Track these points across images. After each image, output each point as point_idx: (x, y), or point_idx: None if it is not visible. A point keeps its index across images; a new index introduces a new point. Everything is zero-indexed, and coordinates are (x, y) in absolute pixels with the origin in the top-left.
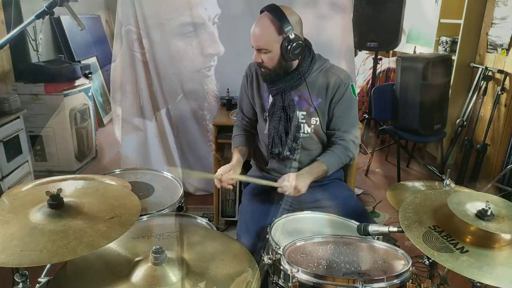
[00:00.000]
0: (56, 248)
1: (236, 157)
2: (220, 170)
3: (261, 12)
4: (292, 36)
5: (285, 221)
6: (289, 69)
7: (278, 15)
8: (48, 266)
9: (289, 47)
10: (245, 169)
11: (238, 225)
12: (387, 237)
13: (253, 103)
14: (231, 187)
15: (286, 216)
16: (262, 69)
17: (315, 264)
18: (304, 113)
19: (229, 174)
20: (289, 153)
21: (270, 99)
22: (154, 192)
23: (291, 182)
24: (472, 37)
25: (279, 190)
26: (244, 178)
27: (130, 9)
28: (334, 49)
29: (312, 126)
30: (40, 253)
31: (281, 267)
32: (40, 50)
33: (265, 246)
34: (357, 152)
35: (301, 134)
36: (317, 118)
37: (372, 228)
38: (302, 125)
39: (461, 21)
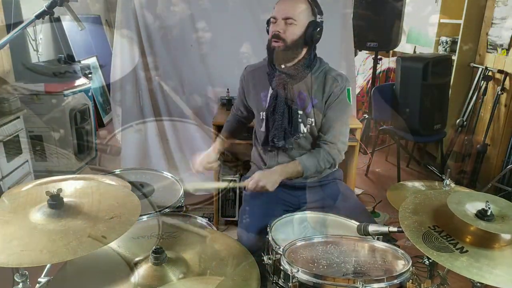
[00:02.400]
0: (56, 248)
1: (213, 145)
2: (197, 163)
3: None
4: (320, 21)
5: (285, 221)
6: (297, 56)
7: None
8: (48, 266)
9: (315, 29)
10: (245, 169)
11: (239, 225)
12: (387, 237)
13: (249, 104)
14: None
15: (286, 216)
16: (276, 42)
17: (315, 264)
18: (301, 112)
19: (202, 161)
20: (291, 146)
21: (268, 97)
22: (154, 192)
23: (255, 179)
24: (472, 37)
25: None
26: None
27: (130, 9)
28: (334, 49)
29: (308, 126)
30: (40, 253)
31: (281, 267)
32: (40, 50)
33: (265, 246)
34: (341, 159)
35: (299, 132)
36: (313, 119)
37: (372, 228)
38: (299, 124)
39: (461, 21)
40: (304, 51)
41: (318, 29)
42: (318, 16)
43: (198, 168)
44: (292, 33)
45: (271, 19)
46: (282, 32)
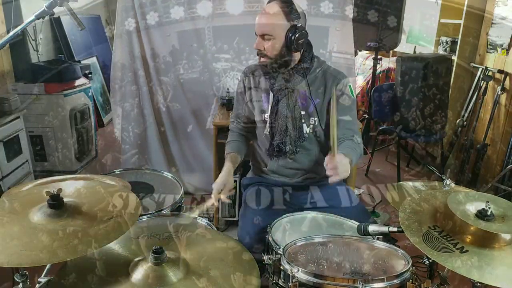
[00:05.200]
0: (56, 248)
1: (227, 166)
2: (215, 190)
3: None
4: (298, 25)
5: (285, 221)
6: (289, 62)
7: (287, 2)
8: (48, 266)
9: (295, 35)
10: (244, 169)
11: (239, 225)
12: (387, 237)
13: (251, 106)
14: (231, 197)
15: (286, 216)
16: (262, 58)
17: (315, 264)
18: (303, 112)
19: (225, 191)
20: (299, 149)
21: (270, 99)
22: (154, 192)
23: (336, 171)
24: (472, 37)
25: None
26: None
27: (130, 9)
28: (334, 49)
29: (311, 126)
30: (40, 253)
31: (281, 267)
32: (40, 50)
33: (265, 246)
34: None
35: (304, 134)
36: (316, 118)
37: (372, 228)
38: (302, 126)
39: (461, 21)
40: (297, 55)
41: (299, 33)
42: (296, 21)
43: (221, 196)
44: (272, 48)
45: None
46: (263, 49)
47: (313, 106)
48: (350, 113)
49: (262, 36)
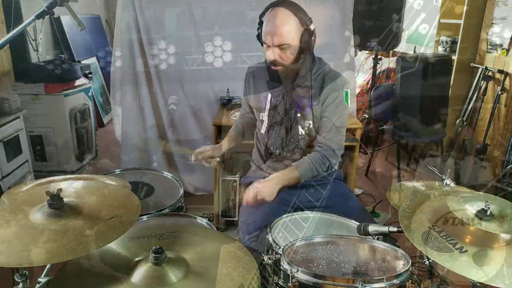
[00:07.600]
0: (56, 248)
1: (223, 141)
2: (200, 149)
3: (268, 8)
4: (312, 28)
5: (285, 221)
6: (299, 66)
7: (296, 7)
8: (48, 266)
9: (311, 38)
10: (244, 169)
11: (239, 225)
12: (387, 237)
13: (250, 104)
14: (208, 164)
15: (286, 216)
16: (276, 67)
17: (315, 264)
18: (299, 115)
19: (204, 154)
20: (289, 154)
21: (268, 99)
22: (154, 192)
23: (253, 192)
24: (472, 37)
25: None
26: None
27: (130, 8)
28: (334, 48)
29: (306, 128)
30: (40, 253)
31: (281, 267)
32: (40, 50)
33: (265, 246)
34: (336, 163)
35: (299, 138)
36: (311, 121)
37: (372, 228)
38: (298, 129)
39: (461, 21)
40: (301, 57)
41: (313, 37)
42: (310, 24)
43: (198, 156)
44: (289, 56)
45: (264, 44)
46: (279, 58)
47: (309, 109)
48: (339, 121)
49: (279, 46)
